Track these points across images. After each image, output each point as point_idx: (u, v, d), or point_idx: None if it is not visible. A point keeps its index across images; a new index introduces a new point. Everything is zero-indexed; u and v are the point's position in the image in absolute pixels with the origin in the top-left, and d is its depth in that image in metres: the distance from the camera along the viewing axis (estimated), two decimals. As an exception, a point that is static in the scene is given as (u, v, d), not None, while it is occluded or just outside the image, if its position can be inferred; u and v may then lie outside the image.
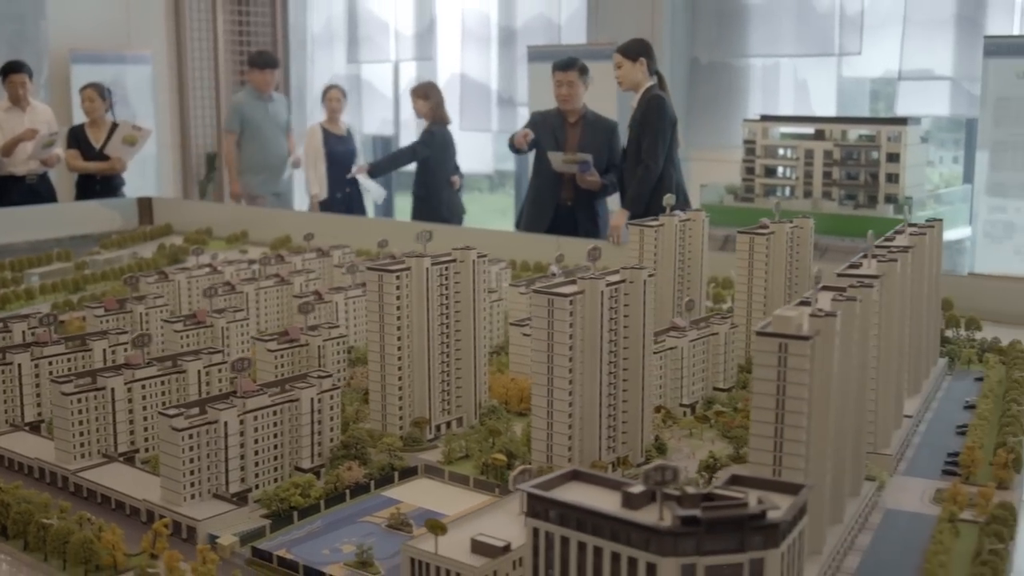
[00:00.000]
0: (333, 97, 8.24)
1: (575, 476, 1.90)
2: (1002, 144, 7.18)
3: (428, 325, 2.86)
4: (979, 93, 7.25)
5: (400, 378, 2.84)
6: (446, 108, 7.87)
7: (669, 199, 3.77)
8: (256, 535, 2.28)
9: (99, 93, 7.74)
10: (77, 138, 7.63)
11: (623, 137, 5.97)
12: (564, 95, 5.99)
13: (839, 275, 2.56)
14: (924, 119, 7.97)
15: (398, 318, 2.81)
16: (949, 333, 3.94)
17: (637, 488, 1.75)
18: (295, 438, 2.58)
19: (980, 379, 3.42)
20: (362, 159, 8.39)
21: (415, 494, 2.53)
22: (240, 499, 2.42)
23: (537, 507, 1.80)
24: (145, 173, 10.05)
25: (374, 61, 10.47)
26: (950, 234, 7.63)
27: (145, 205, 7.44)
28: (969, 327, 3.96)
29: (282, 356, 3.07)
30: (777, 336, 2.00)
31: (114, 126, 7.68)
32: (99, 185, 7.62)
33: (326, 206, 8.05)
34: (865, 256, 2.79)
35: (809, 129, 7.57)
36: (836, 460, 2.19)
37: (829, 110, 8.14)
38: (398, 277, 2.81)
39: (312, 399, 2.60)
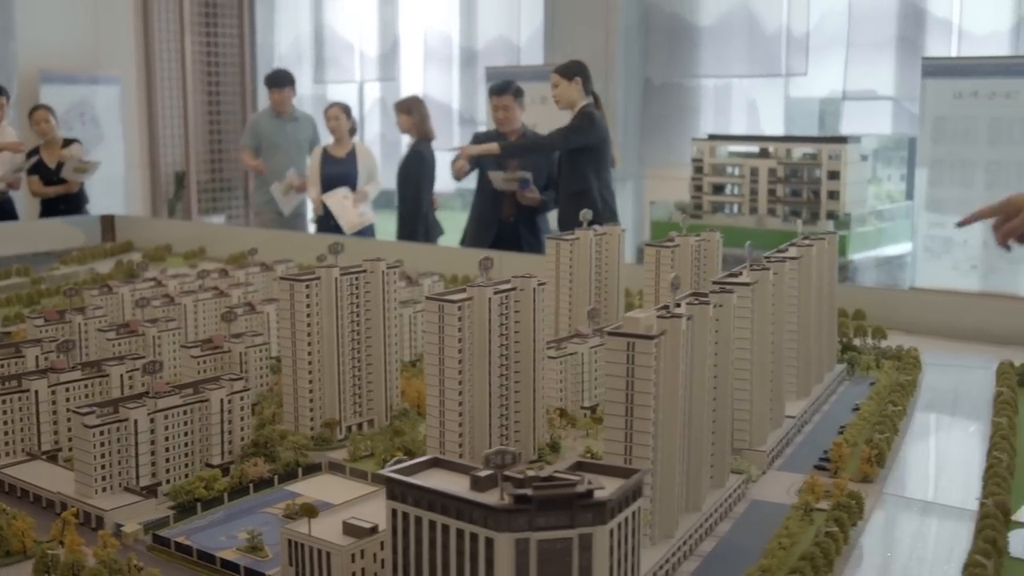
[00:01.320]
0: (331, 116, 8.13)
1: (435, 463, 2.08)
2: (940, 162, 7.43)
3: (338, 332, 3.04)
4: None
5: (311, 382, 3.02)
6: (431, 123, 7.83)
7: (585, 214, 3.97)
8: (160, 524, 2.45)
9: (49, 112, 7.92)
10: (37, 166, 7.79)
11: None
12: (500, 118, 6.24)
13: (713, 282, 2.76)
14: (870, 137, 8.22)
15: (308, 325, 3.00)
16: (857, 342, 4.14)
17: (484, 472, 1.93)
18: (205, 436, 2.76)
19: (873, 383, 3.62)
20: (369, 184, 8.17)
21: (316, 488, 2.71)
22: (150, 492, 2.59)
23: (396, 490, 1.98)
24: (113, 192, 10.23)
25: (339, 81, 10.68)
26: (893, 249, 7.88)
27: (108, 223, 7.60)
28: (875, 336, 4.16)
29: (204, 362, 3.25)
30: (625, 336, 2.19)
31: (66, 141, 7.84)
32: (63, 204, 7.78)
33: (325, 227, 7.94)
34: (747, 266, 2.98)
35: (754, 148, 7.80)
36: (692, 452, 2.38)
37: (778, 129, 8.38)
38: (307, 286, 2.99)
39: (222, 400, 2.78)
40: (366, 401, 3.15)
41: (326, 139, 8.09)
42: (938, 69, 7.39)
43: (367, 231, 7.92)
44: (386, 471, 2.01)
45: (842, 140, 7.39)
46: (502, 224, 6.19)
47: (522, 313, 2.80)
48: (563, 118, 6.28)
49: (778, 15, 8.16)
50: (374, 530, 2.10)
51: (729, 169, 7.65)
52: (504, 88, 6.23)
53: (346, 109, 8.20)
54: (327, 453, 2.93)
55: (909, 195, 8.10)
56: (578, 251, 3.89)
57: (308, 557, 2.09)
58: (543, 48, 8.96)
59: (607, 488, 1.88)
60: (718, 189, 7.68)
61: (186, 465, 2.72)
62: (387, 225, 8.86)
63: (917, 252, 7.77)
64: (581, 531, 1.86)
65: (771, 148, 7.56)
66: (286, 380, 3.06)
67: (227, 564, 2.24)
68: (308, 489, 2.70)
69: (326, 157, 8.06)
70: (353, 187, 7.96)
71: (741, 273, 2.94)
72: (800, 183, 7.38)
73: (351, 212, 7.96)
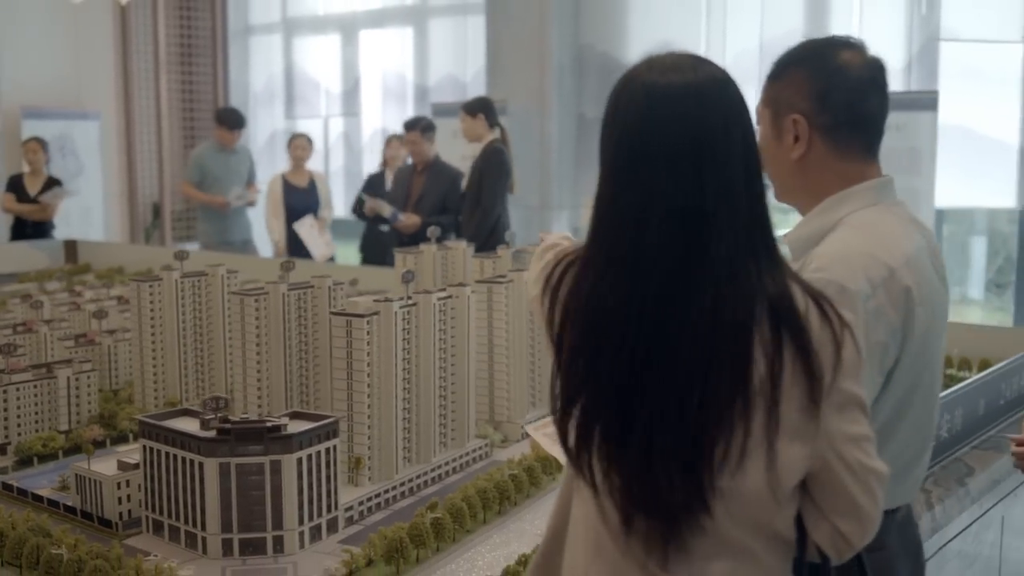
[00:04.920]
0: (298, 146, 8.36)
1: (185, 412, 2.66)
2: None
3: (178, 325, 3.63)
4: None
5: (155, 368, 3.61)
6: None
7: (433, 231, 4.55)
8: (1, 472, 3.05)
9: (42, 147, 8.62)
10: (15, 185, 8.47)
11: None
12: (410, 152, 6.90)
13: (477, 282, 3.34)
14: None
15: (152, 319, 3.59)
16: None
17: (210, 416, 2.52)
18: (53, 406, 3.35)
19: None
20: (325, 211, 8.39)
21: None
22: (1, 450, 3.18)
23: (145, 430, 2.56)
24: (92, 221, 10.92)
25: (307, 117, 11.34)
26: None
27: (71, 247, 8.25)
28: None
29: (76, 352, 3.84)
30: (345, 315, 2.78)
31: (51, 180, 8.52)
32: (30, 229, 8.44)
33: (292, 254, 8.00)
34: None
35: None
36: (419, 415, 2.95)
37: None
38: (151, 286, 3.59)
39: (68, 377, 3.38)
40: (208, 383, 3.74)
41: (272, 168, 8.58)
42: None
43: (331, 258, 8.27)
44: (140, 416, 2.61)
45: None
46: (402, 242, 6.78)
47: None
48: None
49: (699, 53, 8.74)
50: (137, 465, 2.68)
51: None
52: (412, 125, 6.89)
53: (310, 140, 8.64)
54: (163, 425, 3.51)
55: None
56: (422, 264, 4.47)
57: (89, 486, 2.67)
58: (486, 85, 9.59)
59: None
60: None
61: (36, 430, 3.31)
62: (348, 252, 9.30)
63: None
64: (272, 458, 2.44)
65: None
66: (135, 365, 3.66)
67: (36, 497, 2.83)
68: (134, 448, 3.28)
69: (287, 187, 8.33)
70: (315, 215, 8.32)
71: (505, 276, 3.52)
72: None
73: (319, 240, 8.19)
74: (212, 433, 2.43)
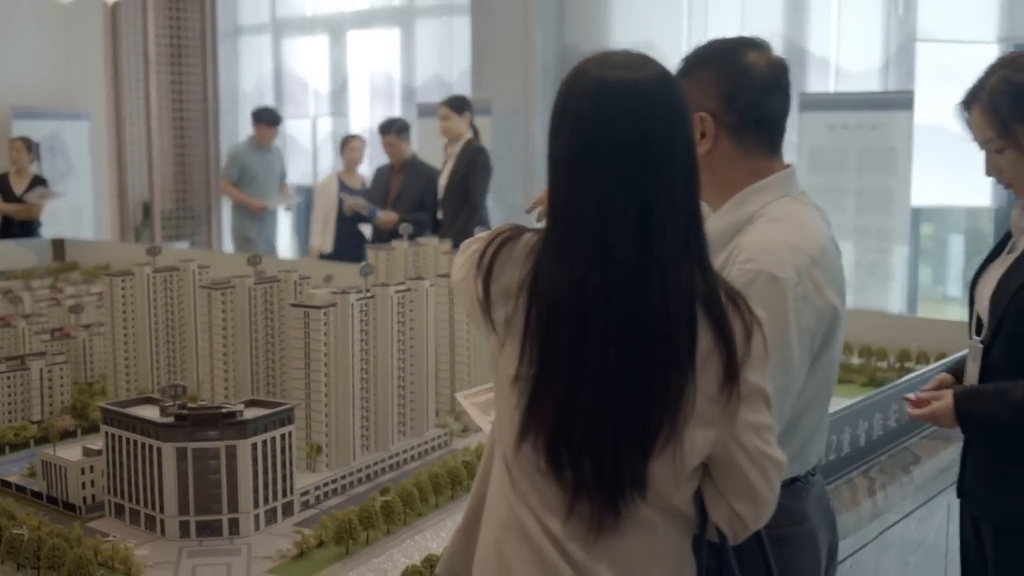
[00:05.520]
0: (353, 148, 8.25)
1: (148, 400, 2.76)
2: (816, 189, 8.06)
3: (150, 319, 3.72)
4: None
5: (127, 360, 3.71)
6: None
7: (406, 228, 4.64)
8: (-27, 461, 3.14)
9: (26, 146, 8.71)
10: (1, 185, 8.57)
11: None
12: (388, 153, 7.02)
13: (438, 276, 3.44)
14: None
15: (124, 313, 3.69)
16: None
17: (168, 403, 2.61)
18: (26, 397, 3.45)
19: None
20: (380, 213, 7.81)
21: (109, 438, 3.38)
22: (-26, 439, 3.28)
23: (107, 417, 2.66)
24: (83, 220, 11.01)
25: (296, 117, 11.42)
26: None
27: (59, 245, 8.34)
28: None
29: (51, 346, 3.94)
30: (303, 307, 2.88)
31: (35, 179, 8.61)
32: (17, 228, 8.53)
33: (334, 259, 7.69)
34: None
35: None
36: (377, 404, 3.05)
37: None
38: (123, 281, 3.69)
39: (41, 369, 3.47)
40: (180, 374, 3.83)
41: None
42: (813, 103, 8.06)
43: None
44: (102, 404, 2.70)
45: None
46: (379, 237, 6.87)
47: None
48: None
49: (679, 54, 8.81)
50: (100, 452, 2.77)
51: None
52: (387, 128, 7.04)
53: (364, 141, 8.54)
54: (134, 415, 3.60)
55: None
56: (394, 260, 4.56)
57: (54, 472, 2.76)
58: (471, 85, 9.69)
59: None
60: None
61: (9, 420, 3.40)
62: None
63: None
64: (227, 443, 2.53)
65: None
66: (108, 359, 3.75)
67: (5, 483, 2.92)
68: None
69: (342, 188, 8.01)
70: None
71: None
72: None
73: None
74: (170, 419, 2.53)
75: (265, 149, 8.82)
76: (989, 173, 2.29)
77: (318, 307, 2.86)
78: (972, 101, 2.24)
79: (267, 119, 8.87)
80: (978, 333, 2.30)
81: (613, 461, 1.52)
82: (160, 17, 11.42)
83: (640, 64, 1.57)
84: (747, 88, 1.89)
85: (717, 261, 1.77)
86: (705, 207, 1.99)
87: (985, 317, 2.27)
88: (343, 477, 2.89)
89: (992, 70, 2.23)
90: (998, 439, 2.24)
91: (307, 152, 11.50)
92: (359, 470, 2.95)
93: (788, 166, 2.00)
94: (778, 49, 6.88)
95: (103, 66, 11.13)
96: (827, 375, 1.92)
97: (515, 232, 1.65)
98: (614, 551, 1.57)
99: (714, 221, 1.94)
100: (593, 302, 1.51)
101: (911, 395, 2.33)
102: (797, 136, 8.19)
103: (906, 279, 7.74)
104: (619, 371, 1.51)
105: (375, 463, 3.01)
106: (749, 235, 1.85)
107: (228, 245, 11.95)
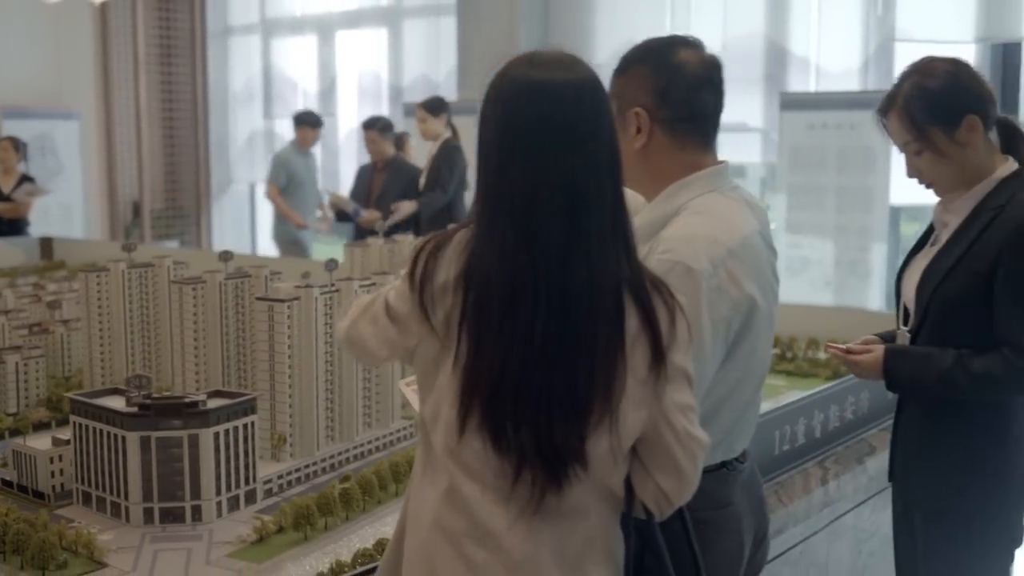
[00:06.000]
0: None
1: (115, 391, 2.83)
2: (797, 187, 8.15)
3: (125, 313, 3.79)
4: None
5: (103, 354, 3.78)
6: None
7: (380, 225, 4.73)
8: (-52, 452, 3.21)
9: (14, 146, 8.78)
10: None
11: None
12: (369, 150, 7.10)
13: (403, 271, 3.51)
14: (756, 166, 8.95)
15: (99, 308, 3.76)
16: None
17: (133, 393, 2.68)
18: (3, 390, 3.52)
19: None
20: None
21: (83, 430, 3.46)
22: (-50, 432, 3.35)
23: (75, 407, 2.73)
24: (72, 219, 11.08)
25: (285, 116, 11.48)
26: (760, 268, 8.57)
27: (47, 244, 8.41)
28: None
29: (30, 340, 4.01)
30: (267, 300, 2.95)
31: (23, 177, 8.68)
32: (5, 226, 8.60)
33: None
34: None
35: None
36: (342, 395, 3.13)
37: (664, 159, 9.11)
38: (98, 277, 3.76)
39: (17, 362, 3.54)
40: (155, 368, 3.90)
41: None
42: (794, 103, 8.15)
43: None
44: (71, 395, 2.78)
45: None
46: (361, 234, 6.95)
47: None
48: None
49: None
50: (69, 441, 2.85)
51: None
52: (370, 125, 7.11)
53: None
54: (109, 408, 3.68)
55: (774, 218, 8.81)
56: (369, 256, 4.64)
57: (25, 461, 2.83)
58: (457, 85, 9.76)
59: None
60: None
61: (-15, 413, 3.48)
62: (333, 250, 9.47)
63: (780, 271, 8.46)
64: (190, 432, 2.61)
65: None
66: (84, 353, 3.82)
67: (-24, 474, 3.00)
68: (77, 431, 3.45)
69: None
70: None
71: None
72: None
73: None
74: (134, 409, 2.60)
75: (305, 152, 8.79)
76: (910, 175, 2.37)
77: (282, 300, 2.93)
78: (888, 108, 2.33)
79: (310, 121, 8.80)
80: (905, 323, 2.38)
81: (550, 433, 1.59)
82: (150, 17, 11.49)
83: (569, 64, 1.66)
84: (679, 85, 1.97)
85: (641, 252, 1.84)
86: (640, 201, 2.08)
87: (912, 307, 2.35)
88: (307, 466, 2.97)
89: (905, 76, 2.32)
90: (918, 400, 2.33)
91: (295, 151, 11.57)
92: (323, 460, 3.03)
93: (721, 163, 2.08)
94: (759, 49, 7.02)
95: (93, 66, 11.20)
96: (749, 366, 1.98)
97: (443, 236, 1.71)
98: (551, 536, 1.64)
99: (643, 215, 2.02)
100: (520, 278, 1.59)
101: (840, 345, 2.41)
102: (778, 135, 8.28)
103: (885, 277, 7.81)
104: (547, 344, 1.58)
105: (339, 453, 3.09)
106: (671, 228, 1.93)
107: (218, 244, 12.03)
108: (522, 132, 1.63)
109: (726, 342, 1.90)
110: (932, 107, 2.26)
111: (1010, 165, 2.32)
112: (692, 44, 2.02)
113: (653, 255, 1.88)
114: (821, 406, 3.34)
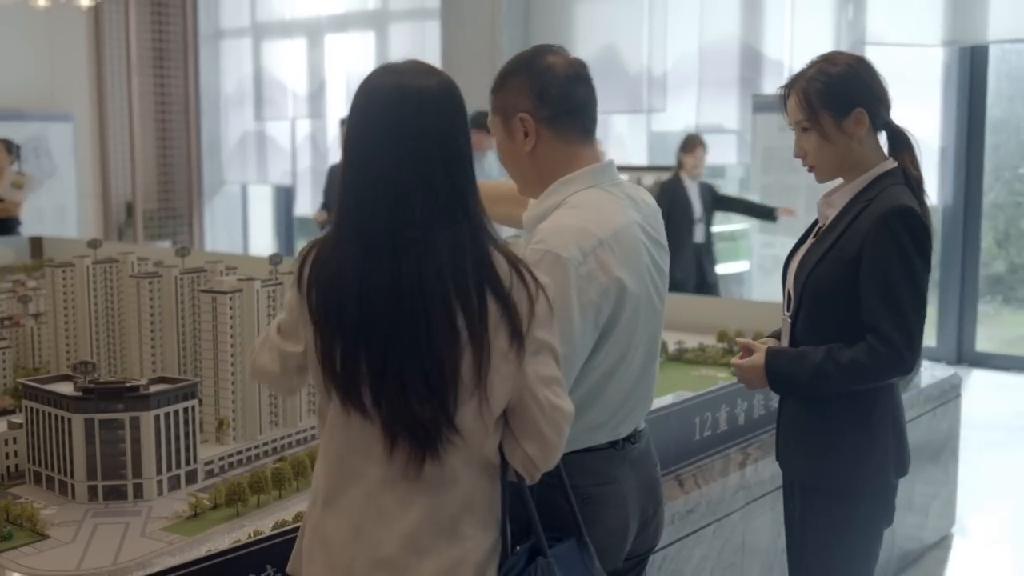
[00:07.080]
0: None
1: (66, 377, 3.00)
2: (769, 188, 8.31)
3: (90, 307, 3.97)
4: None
5: (67, 347, 3.96)
6: None
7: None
8: (-86, 436, 3.39)
9: (6, 148, 8.98)
10: None
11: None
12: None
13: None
14: (736, 167, 9.10)
15: (65, 301, 3.94)
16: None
17: (79, 378, 2.86)
18: (-31, 379, 3.71)
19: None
20: None
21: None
22: (-82, 418, 3.53)
23: (26, 392, 2.91)
24: (66, 219, 11.28)
25: (275, 119, 11.69)
26: (734, 267, 8.75)
27: (36, 243, 8.60)
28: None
29: (1, 333, 4.19)
30: (211, 292, 3.13)
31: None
32: (-3, 226, 8.81)
33: None
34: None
35: (624, 176, 8.70)
36: (286, 382, 3.29)
37: (642, 160, 9.29)
38: (64, 272, 3.94)
39: (-16, 353, 3.73)
40: (119, 358, 4.08)
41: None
42: (766, 105, 8.31)
43: None
44: (23, 380, 2.96)
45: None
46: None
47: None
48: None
49: (640, 57, 9.11)
50: (22, 425, 3.02)
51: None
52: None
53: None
54: (72, 397, 3.86)
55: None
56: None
57: (-20, 444, 3.01)
58: (441, 88, 9.95)
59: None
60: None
61: (-48, 400, 3.66)
62: None
63: (753, 269, 8.65)
64: (132, 414, 2.78)
65: (628, 177, 8.48)
66: (51, 344, 4.01)
67: (-62, 455, 3.17)
68: (39, 418, 3.63)
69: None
70: None
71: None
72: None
73: None
74: (79, 393, 2.78)
75: (479, 157, 8.84)
76: (797, 155, 2.52)
77: (224, 292, 3.11)
78: (791, 87, 2.48)
79: (476, 123, 8.80)
80: (788, 310, 2.54)
81: (411, 412, 1.76)
82: (142, 20, 11.70)
83: (424, 72, 1.84)
84: (553, 83, 2.14)
85: (523, 245, 2.01)
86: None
87: (793, 295, 2.52)
88: (248, 449, 3.14)
89: (812, 63, 2.47)
90: (798, 398, 2.49)
91: (286, 153, 11.76)
92: (265, 444, 3.20)
93: (608, 162, 2.24)
94: (734, 52, 7.30)
95: (86, 68, 11.41)
96: (627, 350, 2.14)
97: (323, 239, 1.86)
98: (428, 500, 1.82)
99: (530, 210, 2.19)
100: (348, 266, 1.76)
101: (750, 341, 2.57)
102: (752, 136, 8.45)
103: (855, 275, 7.96)
104: (379, 330, 1.75)
105: (282, 437, 3.26)
106: (548, 220, 2.10)
107: (210, 244, 12.24)
108: (367, 139, 1.82)
109: (596, 325, 2.06)
110: (827, 93, 2.41)
111: (888, 163, 2.48)
112: (556, 51, 2.20)
113: (529, 245, 2.05)
114: (745, 395, 3.51)
